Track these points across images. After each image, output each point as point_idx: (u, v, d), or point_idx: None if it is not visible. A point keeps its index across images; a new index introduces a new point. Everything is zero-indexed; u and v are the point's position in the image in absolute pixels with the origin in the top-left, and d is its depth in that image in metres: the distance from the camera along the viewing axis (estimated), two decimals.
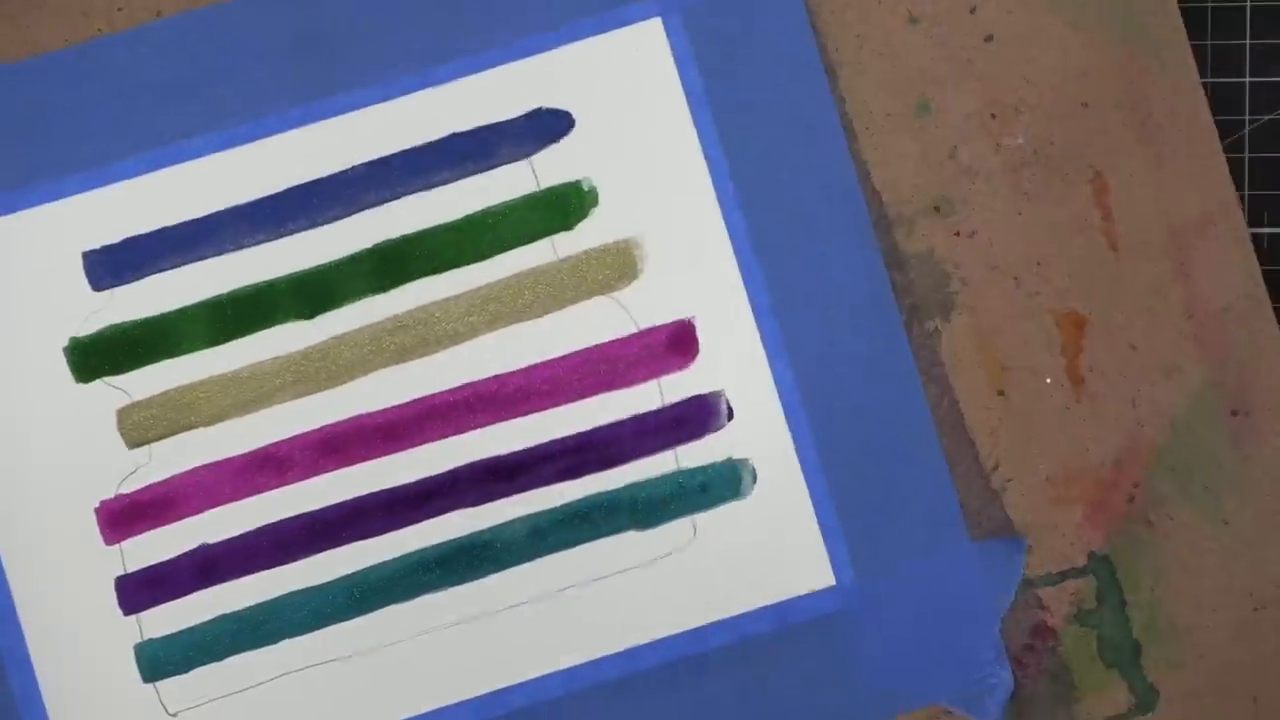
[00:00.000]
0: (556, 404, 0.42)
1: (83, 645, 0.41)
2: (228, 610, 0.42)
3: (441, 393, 0.42)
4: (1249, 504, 0.42)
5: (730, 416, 0.42)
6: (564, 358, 0.42)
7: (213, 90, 0.42)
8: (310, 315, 0.42)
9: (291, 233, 0.42)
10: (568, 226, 0.42)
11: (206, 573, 0.42)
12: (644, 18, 0.42)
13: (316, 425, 0.42)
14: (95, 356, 0.42)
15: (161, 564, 0.42)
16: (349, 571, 0.42)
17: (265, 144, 0.42)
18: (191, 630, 0.41)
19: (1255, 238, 0.43)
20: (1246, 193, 0.44)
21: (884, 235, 0.42)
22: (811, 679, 0.41)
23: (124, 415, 0.42)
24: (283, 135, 0.42)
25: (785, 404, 0.42)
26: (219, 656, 0.41)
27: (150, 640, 0.41)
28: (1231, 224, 0.42)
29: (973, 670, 0.41)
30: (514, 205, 0.42)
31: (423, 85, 0.42)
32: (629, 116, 0.42)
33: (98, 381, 0.42)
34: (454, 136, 0.42)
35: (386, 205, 0.42)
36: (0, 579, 0.41)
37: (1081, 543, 0.42)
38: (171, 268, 0.42)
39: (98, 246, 0.42)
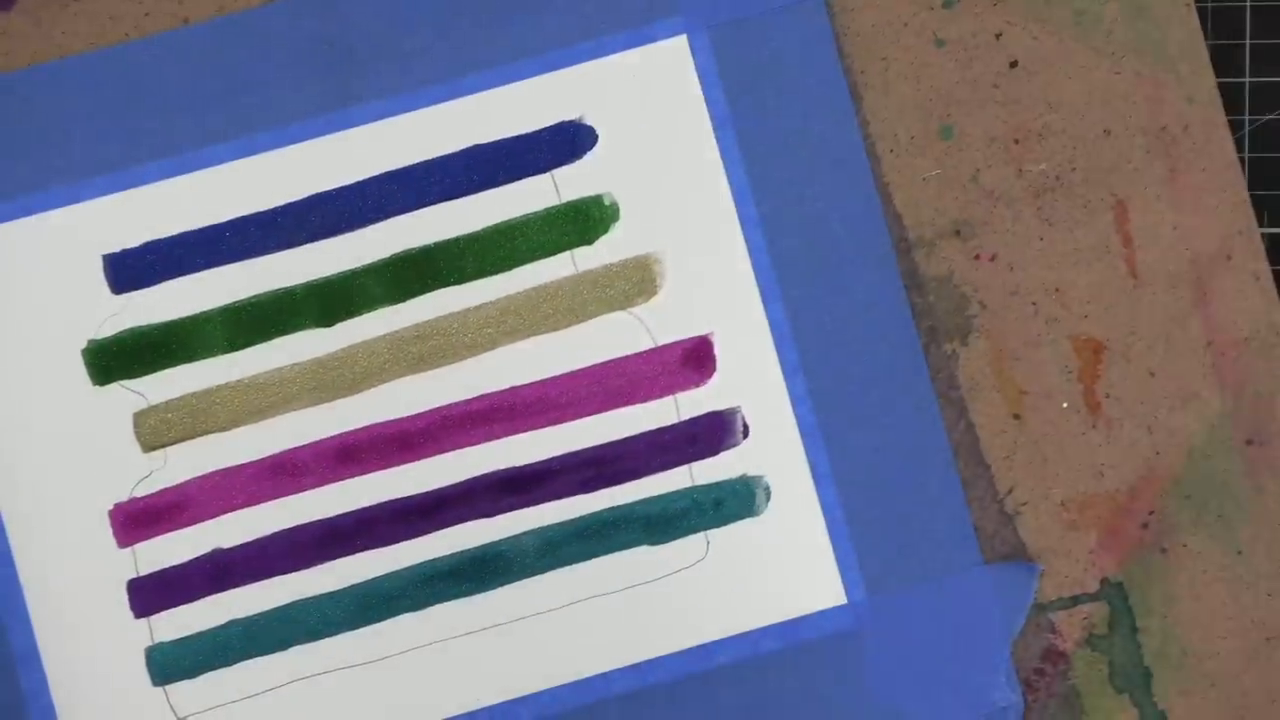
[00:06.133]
0: (572, 417, 0.42)
1: (93, 647, 0.41)
2: (239, 615, 0.42)
3: (458, 403, 0.42)
4: (1262, 534, 0.42)
5: (746, 434, 0.42)
6: (581, 371, 0.42)
7: (237, 97, 0.42)
8: (329, 323, 0.42)
9: (312, 240, 0.42)
10: (588, 241, 0.42)
11: (219, 577, 0.42)
12: (670, 35, 0.42)
13: (332, 433, 0.42)
14: (113, 359, 0.42)
15: (174, 567, 0.42)
16: (361, 579, 0.42)
17: (288, 152, 0.42)
18: (202, 635, 0.41)
19: None
20: (1247, 192, 0.44)
21: (904, 257, 0.42)
22: (821, 697, 0.41)
23: (140, 419, 0.42)
24: (306, 144, 0.42)
25: (801, 422, 0.42)
26: (229, 661, 0.41)
27: (161, 644, 0.41)
28: (1252, 253, 0.42)
29: (983, 693, 0.41)
30: (535, 218, 0.42)
31: (446, 97, 0.42)
32: (652, 132, 0.42)
33: (115, 384, 0.42)
34: (476, 148, 0.42)
35: (407, 215, 0.42)
36: (13, 578, 0.41)
37: (1094, 568, 0.42)
38: (191, 272, 0.42)
39: (118, 250, 0.42)
